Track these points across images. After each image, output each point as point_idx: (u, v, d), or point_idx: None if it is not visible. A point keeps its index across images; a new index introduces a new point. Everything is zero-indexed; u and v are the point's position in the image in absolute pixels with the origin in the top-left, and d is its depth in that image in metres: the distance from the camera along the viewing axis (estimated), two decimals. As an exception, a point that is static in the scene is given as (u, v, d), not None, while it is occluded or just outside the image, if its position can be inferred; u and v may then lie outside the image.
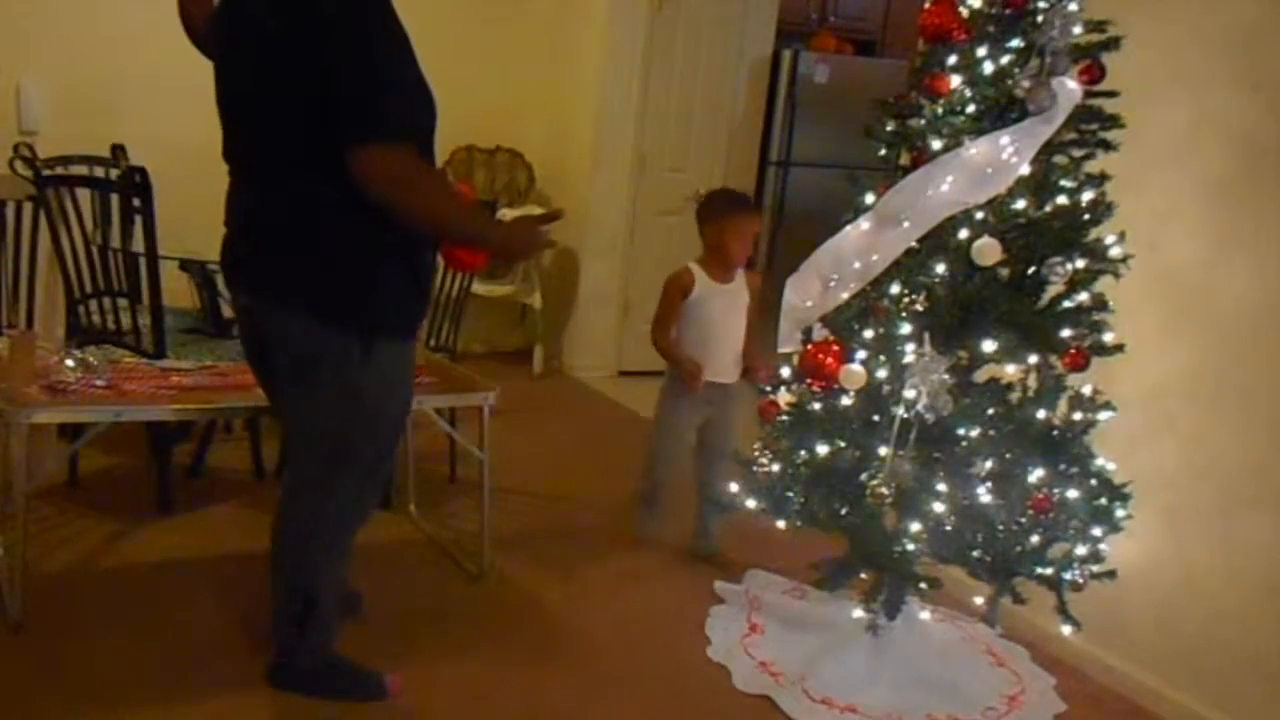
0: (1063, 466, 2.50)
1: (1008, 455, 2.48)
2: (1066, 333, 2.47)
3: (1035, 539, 2.48)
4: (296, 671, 2.44)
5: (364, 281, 2.18)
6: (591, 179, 5.31)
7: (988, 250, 2.39)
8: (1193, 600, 2.73)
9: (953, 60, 2.48)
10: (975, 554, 2.48)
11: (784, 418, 2.68)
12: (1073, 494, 2.49)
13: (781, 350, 2.70)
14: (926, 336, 2.41)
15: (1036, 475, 2.46)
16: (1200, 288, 2.72)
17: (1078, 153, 2.53)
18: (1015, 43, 2.43)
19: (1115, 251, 2.48)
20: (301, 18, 2.00)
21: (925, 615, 2.84)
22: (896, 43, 6.27)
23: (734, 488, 2.75)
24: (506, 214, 5.11)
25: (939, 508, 2.43)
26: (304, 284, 2.17)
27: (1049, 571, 2.50)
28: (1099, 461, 2.57)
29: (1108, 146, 2.51)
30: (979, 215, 2.43)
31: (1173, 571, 2.77)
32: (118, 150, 4.03)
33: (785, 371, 2.72)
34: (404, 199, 2.07)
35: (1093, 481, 2.54)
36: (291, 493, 2.36)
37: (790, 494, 2.63)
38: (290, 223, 2.16)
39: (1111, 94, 2.49)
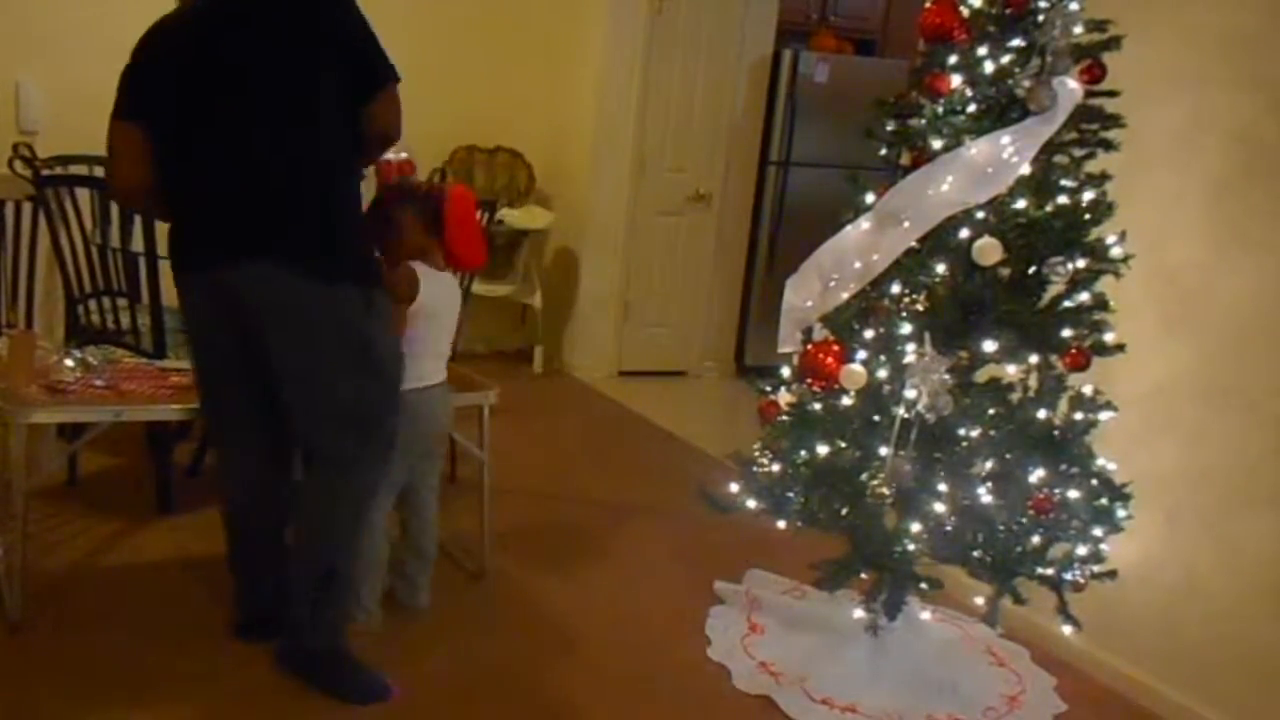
0: (1063, 467, 2.50)
1: (1008, 455, 2.48)
2: (1067, 332, 2.47)
3: (1036, 539, 2.48)
4: (306, 652, 2.45)
5: (354, 236, 2.37)
6: (591, 179, 5.31)
7: (988, 250, 2.39)
8: (1193, 600, 2.73)
9: (953, 60, 2.48)
10: (975, 554, 2.48)
11: (784, 418, 2.68)
12: (1073, 494, 2.49)
13: (782, 350, 2.70)
14: (927, 336, 2.41)
15: (1037, 475, 2.46)
16: (1200, 288, 2.72)
17: (1078, 152, 2.53)
18: (1016, 42, 2.43)
19: (1116, 251, 2.48)
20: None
21: (925, 615, 2.84)
22: (896, 43, 6.26)
23: (734, 488, 2.74)
24: (506, 214, 5.13)
25: (939, 508, 2.43)
26: (309, 247, 2.27)
27: (1049, 571, 2.50)
28: (1099, 461, 2.56)
29: (1108, 146, 2.52)
30: (979, 215, 2.43)
31: (1173, 571, 2.77)
32: (117, 150, 4.02)
33: (786, 371, 2.73)
34: (399, 127, 2.38)
35: (1093, 481, 2.54)
36: (324, 475, 2.39)
37: (790, 494, 2.62)
38: (289, 191, 2.26)
39: (1112, 94, 2.49)
